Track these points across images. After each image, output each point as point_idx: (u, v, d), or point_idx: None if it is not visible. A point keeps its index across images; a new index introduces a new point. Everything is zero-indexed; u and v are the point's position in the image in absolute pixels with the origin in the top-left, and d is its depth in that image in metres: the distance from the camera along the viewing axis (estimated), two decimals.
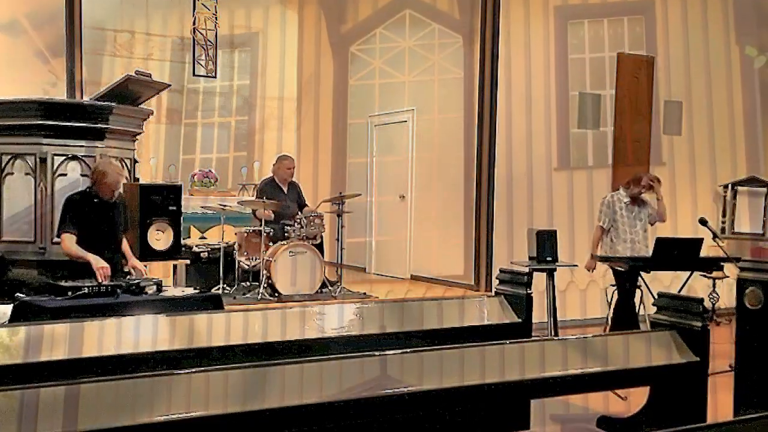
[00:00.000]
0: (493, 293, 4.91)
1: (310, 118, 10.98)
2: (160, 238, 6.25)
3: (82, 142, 6.07)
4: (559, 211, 8.25)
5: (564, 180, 8.33)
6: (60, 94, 7.73)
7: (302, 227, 7.56)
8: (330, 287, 7.61)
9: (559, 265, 6.52)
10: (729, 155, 9.04)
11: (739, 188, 8.82)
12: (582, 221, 8.25)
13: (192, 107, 10.70)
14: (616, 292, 6.92)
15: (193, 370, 2.97)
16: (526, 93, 8.25)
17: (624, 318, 6.40)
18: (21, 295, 4.83)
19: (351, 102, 10.66)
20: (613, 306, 6.58)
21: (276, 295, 7.26)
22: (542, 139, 8.25)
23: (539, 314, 5.60)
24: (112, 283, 4.77)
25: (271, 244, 7.49)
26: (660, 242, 6.22)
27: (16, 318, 4.35)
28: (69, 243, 5.06)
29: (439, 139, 9.22)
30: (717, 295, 8.09)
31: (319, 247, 7.72)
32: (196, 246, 7.93)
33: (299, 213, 7.78)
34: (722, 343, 5.13)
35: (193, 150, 10.73)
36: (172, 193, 6.45)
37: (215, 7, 10.27)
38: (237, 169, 10.59)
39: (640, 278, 6.42)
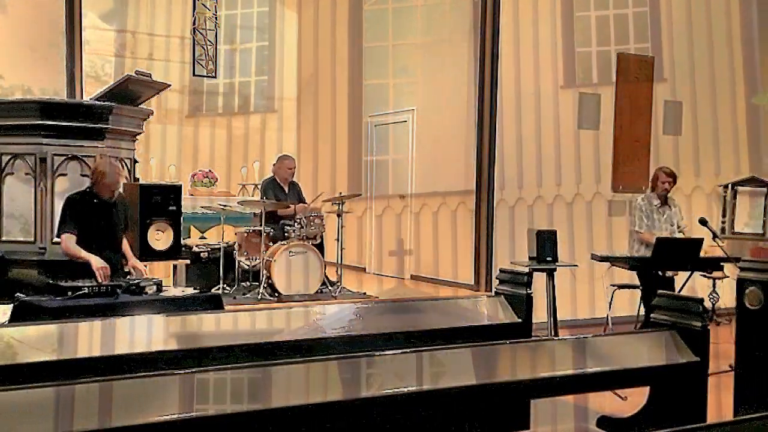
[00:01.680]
0: (493, 293, 4.91)
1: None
2: (160, 238, 6.26)
3: (82, 142, 6.08)
4: (558, 210, 8.27)
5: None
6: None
7: (302, 227, 7.56)
8: (330, 287, 7.61)
9: (559, 265, 6.52)
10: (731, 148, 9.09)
11: (739, 188, 8.82)
12: (580, 220, 8.28)
13: (192, 107, 10.71)
14: (616, 292, 6.94)
15: (193, 370, 2.97)
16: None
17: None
18: (21, 295, 4.82)
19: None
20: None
21: (276, 295, 7.26)
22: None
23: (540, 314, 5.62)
24: (112, 283, 4.77)
25: (271, 244, 7.49)
26: (660, 242, 6.23)
27: (16, 318, 4.35)
28: (69, 243, 5.06)
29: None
30: (717, 295, 8.09)
31: (319, 247, 7.72)
32: (196, 246, 7.92)
33: (300, 213, 7.78)
34: (722, 343, 5.13)
35: (193, 150, 10.73)
36: (172, 193, 6.46)
37: (215, 7, 10.28)
38: (237, 169, 10.59)
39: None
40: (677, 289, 6.45)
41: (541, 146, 8.24)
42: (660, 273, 6.35)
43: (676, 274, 6.56)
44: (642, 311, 6.56)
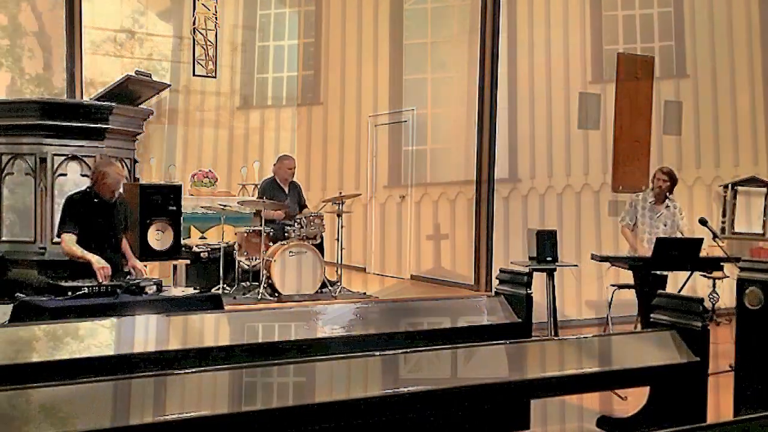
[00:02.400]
0: (493, 293, 4.91)
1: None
2: (160, 238, 6.26)
3: (82, 142, 6.09)
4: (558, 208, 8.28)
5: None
6: None
7: (302, 227, 7.56)
8: (330, 287, 7.61)
9: (559, 265, 6.53)
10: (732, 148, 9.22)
11: (739, 188, 8.83)
12: (587, 219, 8.29)
13: (192, 107, 10.70)
14: (616, 292, 6.94)
15: (193, 370, 2.97)
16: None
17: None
18: (21, 295, 4.83)
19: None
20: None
21: (276, 295, 7.26)
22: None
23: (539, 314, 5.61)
24: (112, 283, 4.77)
25: (271, 244, 7.49)
26: (660, 242, 6.23)
27: (16, 318, 4.35)
28: (69, 243, 5.06)
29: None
30: (717, 295, 8.09)
31: (319, 247, 7.72)
32: (196, 246, 7.92)
33: (299, 213, 7.78)
34: (722, 343, 5.13)
35: (193, 150, 10.73)
36: (172, 193, 6.47)
37: (215, 7, 10.28)
38: (237, 169, 10.59)
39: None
40: (678, 289, 6.46)
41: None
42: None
43: (666, 274, 6.59)
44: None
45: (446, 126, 9.15)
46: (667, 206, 6.77)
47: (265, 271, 7.31)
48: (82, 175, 5.99)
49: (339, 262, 7.97)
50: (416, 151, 9.47)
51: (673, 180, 6.75)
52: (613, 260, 6.55)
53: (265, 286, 7.29)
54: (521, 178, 8.22)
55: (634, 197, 6.90)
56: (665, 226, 6.74)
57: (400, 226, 9.64)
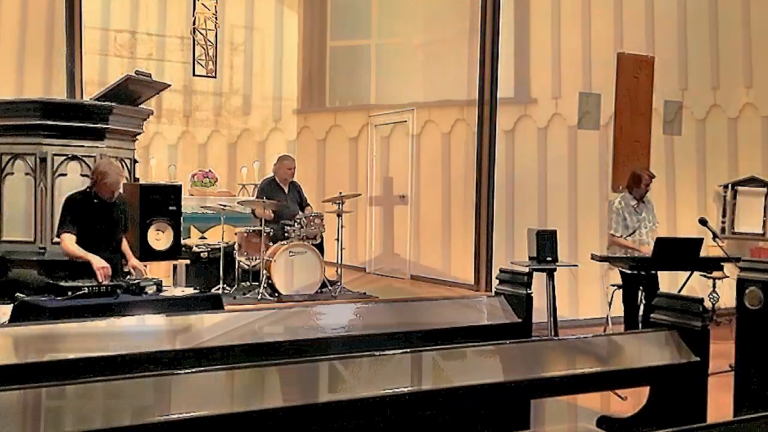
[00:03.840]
0: (493, 293, 4.91)
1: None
2: (160, 238, 6.26)
3: (82, 142, 6.08)
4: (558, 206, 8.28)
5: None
6: None
7: (302, 227, 7.56)
8: (330, 287, 7.61)
9: (559, 265, 6.53)
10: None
11: (739, 188, 8.83)
12: (585, 218, 8.28)
13: (192, 107, 10.70)
14: (616, 292, 6.93)
15: (193, 370, 2.97)
16: None
17: (633, 318, 6.41)
18: (21, 295, 4.83)
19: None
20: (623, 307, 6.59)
21: (276, 295, 7.26)
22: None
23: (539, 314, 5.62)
24: (112, 283, 4.77)
25: (271, 244, 7.49)
26: (660, 242, 6.23)
27: (16, 318, 4.35)
28: (69, 243, 5.06)
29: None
30: (717, 295, 8.10)
31: (319, 247, 7.71)
32: (196, 246, 7.92)
33: (300, 213, 7.78)
34: (722, 343, 5.12)
35: (193, 150, 10.73)
36: (172, 193, 6.46)
37: (215, 7, 10.28)
38: (237, 169, 10.58)
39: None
40: (677, 289, 6.46)
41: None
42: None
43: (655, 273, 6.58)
44: (641, 311, 6.55)
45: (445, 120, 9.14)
46: (645, 204, 6.78)
47: (265, 271, 7.31)
48: (82, 175, 5.99)
49: (339, 262, 7.97)
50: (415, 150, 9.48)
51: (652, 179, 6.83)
52: (613, 260, 6.55)
53: (265, 286, 7.28)
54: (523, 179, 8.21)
55: (617, 205, 6.73)
56: (650, 223, 6.76)
57: (402, 226, 9.63)
